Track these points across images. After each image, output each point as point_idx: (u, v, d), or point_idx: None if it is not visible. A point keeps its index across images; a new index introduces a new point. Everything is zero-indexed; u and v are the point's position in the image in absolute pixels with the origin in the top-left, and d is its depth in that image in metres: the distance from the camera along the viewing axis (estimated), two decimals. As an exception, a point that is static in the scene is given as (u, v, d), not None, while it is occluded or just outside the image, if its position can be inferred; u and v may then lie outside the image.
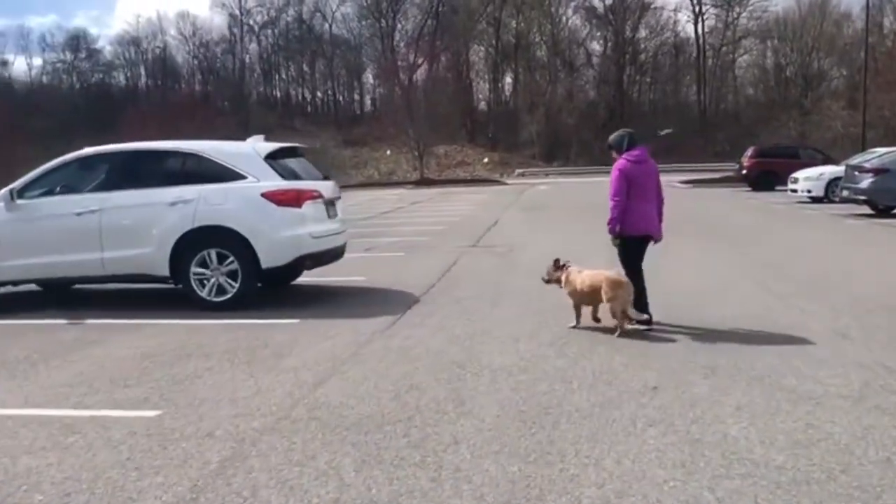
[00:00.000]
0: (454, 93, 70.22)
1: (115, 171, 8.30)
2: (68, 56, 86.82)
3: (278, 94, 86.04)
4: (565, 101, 65.54)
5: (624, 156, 6.83)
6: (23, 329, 7.43)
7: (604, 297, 6.50)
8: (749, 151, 30.67)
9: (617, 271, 6.78)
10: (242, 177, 8.05)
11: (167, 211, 7.96)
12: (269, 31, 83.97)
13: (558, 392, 4.96)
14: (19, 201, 8.24)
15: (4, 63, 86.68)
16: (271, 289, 9.34)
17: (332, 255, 8.80)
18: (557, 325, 6.87)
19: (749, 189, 29.44)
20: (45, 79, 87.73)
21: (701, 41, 68.14)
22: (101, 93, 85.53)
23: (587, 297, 6.76)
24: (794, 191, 23.48)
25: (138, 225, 8.02)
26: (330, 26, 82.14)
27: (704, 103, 67.66)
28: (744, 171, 30.21)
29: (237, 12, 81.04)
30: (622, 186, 6.73)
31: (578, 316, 6.84)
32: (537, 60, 72.79)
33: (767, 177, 28.56)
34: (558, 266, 7.10)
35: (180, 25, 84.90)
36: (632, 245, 6.92)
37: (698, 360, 5.62)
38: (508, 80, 75.99)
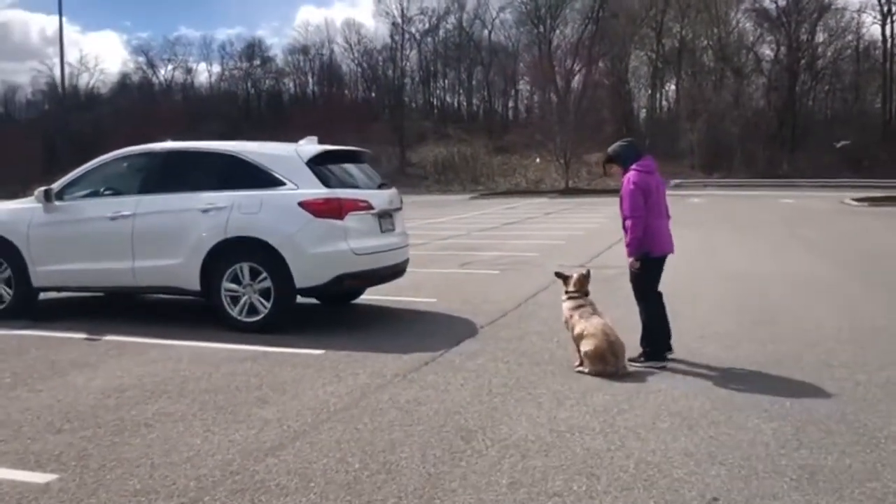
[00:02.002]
0: (611, 99, 67.77)
1: (152, 172, 7.58)
2: (244, 64, 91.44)
3: (435, 101, 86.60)
4: (730, 108, 61.26)
5: (634, 167, 5.95)
6: (30, 343, 6.79)
7: (583, 347, 5.65)
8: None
9: (615, 336, 5.62)
10: (281, 183, 7.09)
11: (199, 218, 7.13)
12: (430, 39, 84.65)
13: (574, 494, 3.54)
14: (57, 203, 7.71)
15: (189, 70, 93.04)
16: (329, 307, 8.42)
17: (383, 275, 7.65)
18: (623, 382, 5.38)
19: (936, 210, 25.69)
20: (223, 85, 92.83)
21: (889, 44, 61.68)
22: (272, 99, 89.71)
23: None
24: None
25: (169, 233, 7.24)
26: (489, 33, 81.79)
27: (891, 113, 61.26)
28: (930, 189, 26.33)
29: (399, 20, 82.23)
30: (640, 200, 5.83)
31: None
32: (702, 66, 68.76)
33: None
34: (565, 283, 6.16)
35: (346, 33, 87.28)
36: (653, 267, 6.01)
37: (796, 454, 3.99)
38: (670, 87, 72.55)
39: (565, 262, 12.41)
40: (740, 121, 60.34)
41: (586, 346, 5.58)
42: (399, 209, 8.07)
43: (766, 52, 67.81)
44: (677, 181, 54.13)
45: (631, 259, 5.96)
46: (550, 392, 5.18)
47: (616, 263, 12.17)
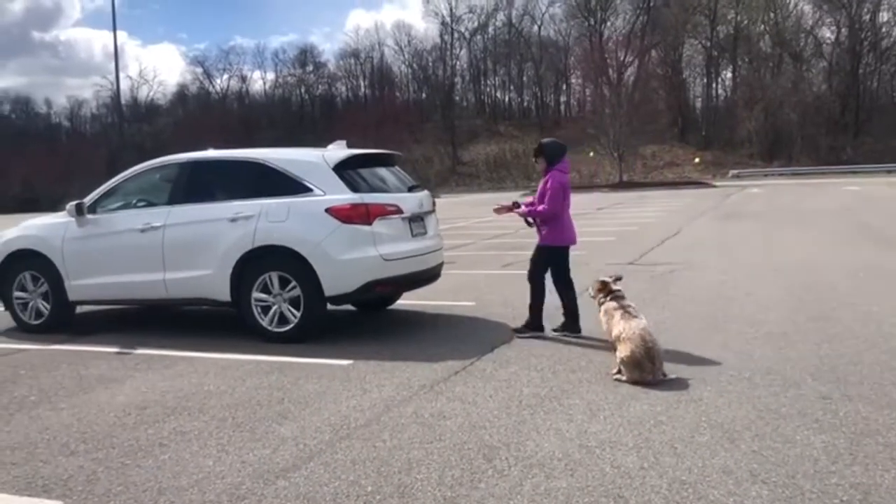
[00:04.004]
0: (665, 90, 66.45)
1: (181, 182, 7.50)
2: (297, 70, 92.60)
3: (485, 99, 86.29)
4: (788, 94, 59.34)
5: (558, 167, 6.79)
6: (62, 358, 6.78)
7: (619, 353, 5.36)
8: None
9: (654, 341, 5.34)
10: (308, 189, 6.93)
11: (228, 228, 7.03)
12: (479, 37, 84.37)
13: (598, 520, 3.26)
14: (89, 216, 7.70)
15: (244, 79, 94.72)
16: (363, 314, 8.27)
17: (415, 280, 7.44)
18: (663, 390, 5.06)
19: None
20: (277, 92, 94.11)
21: (958, 21, 59.04)
22: (325, 103, 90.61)
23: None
24: None
25: (199, 243, 7.14)
26: (539, 28, 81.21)
27: (961, 92, 58.63)
28: None
29: (448, 20, 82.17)
30: (560, 198, 6.69)
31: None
32: (758, 52, 66.85)
33: None
34: (603, 289, 6.03)
35: (396, 36, 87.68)
36: (563, 255, 6.94)
37: (848, 471, 3.62)
38: (727, 74, 70.85)
39: (613, 259, 12.05)
40: (800, 107, 58.50)
41: (622, 351, 5.27)
42: (431, 212, 7.84)
43: (827, 34, 65.71)
44: (735, 172, 52.74)
45: (524, 212, 6.91)
46: (584, 402, 4.88)
47: (666, 260, 11.76)
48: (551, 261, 6.89)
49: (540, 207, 6.73)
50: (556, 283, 6.92)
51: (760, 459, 3.82)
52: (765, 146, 58.48)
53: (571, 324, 6.87)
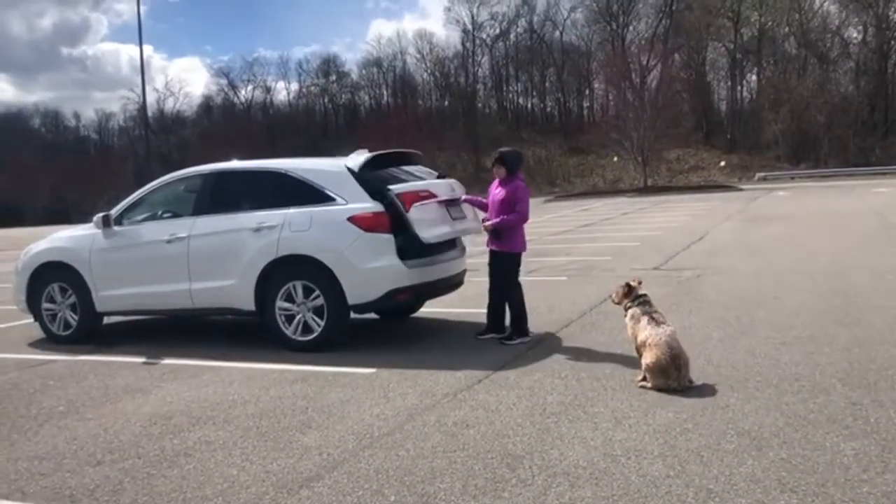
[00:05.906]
0: (689, 93, 65.95)
1: (205, 193, 7.56)
2: (321, 80, 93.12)
3: (508, 105, 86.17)
4: (815, 96, 58.60)
5: (521, 176, 6.98)
6: (89, 368, 6.86)
7: (644, 360, 5.29)
8: None
9: (680, 348, 5.25)
10: (331, 199, 6.96)
11: (252, 238, 7.07)
12: (501, 44, 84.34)
13: (624, 529, 3.22)
14: (116, 228, 7.80)
15: (268, 89, 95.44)
16: (387, 322, 8.29)
17: (439, 287, 7.44)
18: (690, 397, 5.00)
19: None
20: (301, 102, 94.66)
21: None
22: (349, 112, 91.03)
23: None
24: None
25: (223, 254, 7.20)
26: (561, 34, 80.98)
27: None
28: None
29: (469, 27, 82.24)
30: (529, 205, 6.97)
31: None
32: (783, 54, 66.17)
33: None
34: (628, 294, 5.80)
35: (418, 44, 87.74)
36: (518, 261, 7.10)
37: (880, 479, 3.55)
38: (752, 77, 70.19)
39: (638, 265, 11.97)
40: (826, 108, 57.71)
41: (647, 358, 5.22)
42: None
43: (853, 34, 64.83)
44: (761, 175, 52.17)
45: (489, 224, 6.90)
46: (609, 410, 4.84)
47: (692, 265, 11.65)
48: (515, 265, 7.05)
49: (513, 215, 6.81)
50: (506, 286, 7.01)
51: (789, 467, 3.75)
52: (791, 148, 57.81)
53: (499, 326, 7.13)
